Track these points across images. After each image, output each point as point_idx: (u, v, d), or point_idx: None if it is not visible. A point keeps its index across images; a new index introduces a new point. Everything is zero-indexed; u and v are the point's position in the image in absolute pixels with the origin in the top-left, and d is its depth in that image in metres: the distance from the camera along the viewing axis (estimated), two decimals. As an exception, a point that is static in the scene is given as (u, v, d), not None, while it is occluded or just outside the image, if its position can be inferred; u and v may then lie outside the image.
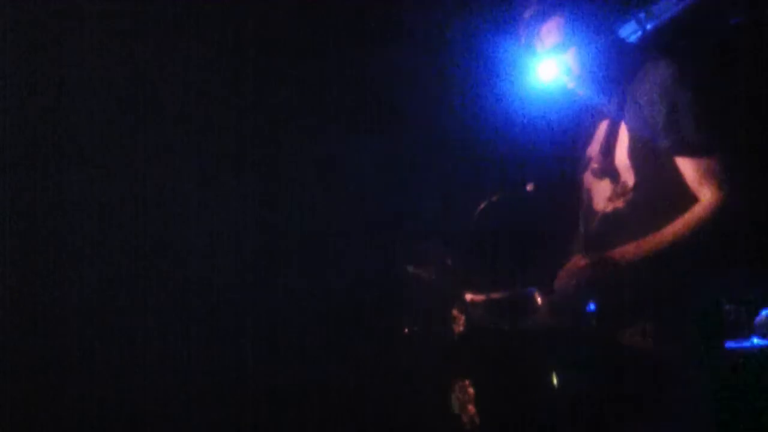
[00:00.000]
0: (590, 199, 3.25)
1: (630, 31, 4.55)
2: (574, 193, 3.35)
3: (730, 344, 4.50)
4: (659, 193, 3.06)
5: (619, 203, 3.11)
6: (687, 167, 3.01)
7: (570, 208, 3.37)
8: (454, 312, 3.28)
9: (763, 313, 4.75)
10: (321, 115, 4.24)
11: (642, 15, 4.56)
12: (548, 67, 3.16)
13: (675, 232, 2.98)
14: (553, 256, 3.30)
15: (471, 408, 3.18)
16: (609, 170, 3.15)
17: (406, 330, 3.43)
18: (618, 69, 3.15)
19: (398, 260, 3.70)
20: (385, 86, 4.23)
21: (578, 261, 3.06)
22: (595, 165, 3.21)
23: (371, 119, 4.25)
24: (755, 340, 4.65)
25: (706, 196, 2.98)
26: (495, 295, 3.28)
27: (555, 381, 3.10)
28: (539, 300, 3.22)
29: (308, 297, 4.09)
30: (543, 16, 3.11)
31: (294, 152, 4.19)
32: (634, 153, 3.08)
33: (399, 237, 3.99)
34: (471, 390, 3.21)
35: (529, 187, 3.37)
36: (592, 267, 3.02)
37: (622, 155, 3.12)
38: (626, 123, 3.11)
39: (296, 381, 4.00)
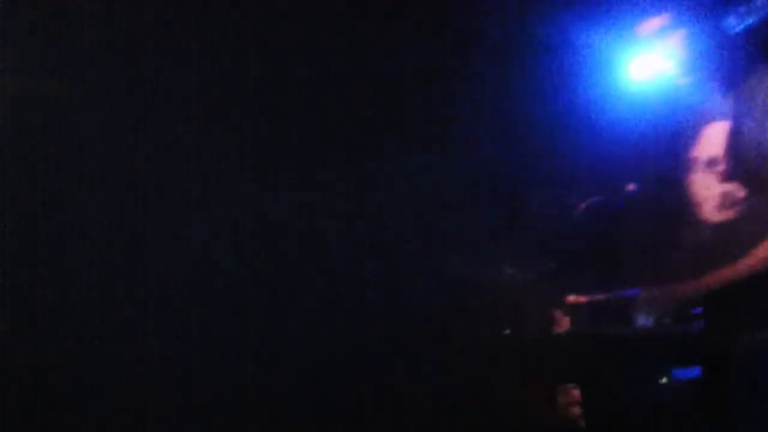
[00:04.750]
0: (697, 205, 3.20)
1: (731, 26, 4.47)
2: (677, 195, 3.30)
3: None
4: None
5: (730, 213, 3.06)
6: None
7: (673, 211, 3.33)
8: (556, 314, 3.26)
9: None
10: (407, 118, 4.22)
11: (743, 9, 4.47)
12: (645, 64, 3.12)
13: None
14: (656, 259, 3.26)
15: (575, 411, 3.16)
16: (718, 177, 3.10)
17: (507, 333, 3.42)
18: (724, 66, 3.09)
19: (498, 264, 3.68)
20: (473, 85, 4.20)
21: (686, 272, 3.02)
22: (701, 169, 3.16)
23: (461, 120, 4.22)
24: None
25: None
26: (598, 298, 3.25)
27: (661, 383, 3.06)
28: (643, 303, 3.18)
29: (404, 301, 4.08)
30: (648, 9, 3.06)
31: (388, 157, 4.17)
32: (744, 159, 3.03)
33: (498, 240, 3.96)
34: (575, 392, 3.19)
35: (630, 188, 3.33)
36: (702, 281, 2.98)
37: (731, 161, 3.07)
38: (737, 127, 3.06)
39: (391, 383, 3.99)
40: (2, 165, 3.99)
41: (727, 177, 3.10)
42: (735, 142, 3.09)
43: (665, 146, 3.52)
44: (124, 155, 4.09)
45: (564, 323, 3.25)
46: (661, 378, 3.09)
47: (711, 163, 3.14)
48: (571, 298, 3.26)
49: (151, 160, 4.08)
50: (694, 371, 3.07)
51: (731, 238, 3.06)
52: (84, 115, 4.10)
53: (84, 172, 4.08)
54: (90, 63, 4.08)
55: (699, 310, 3.09)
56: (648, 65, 3.14)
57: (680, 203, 3.28)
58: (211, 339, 4.03)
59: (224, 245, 4.08)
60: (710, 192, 3.15)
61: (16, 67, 4.01)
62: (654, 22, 3.11)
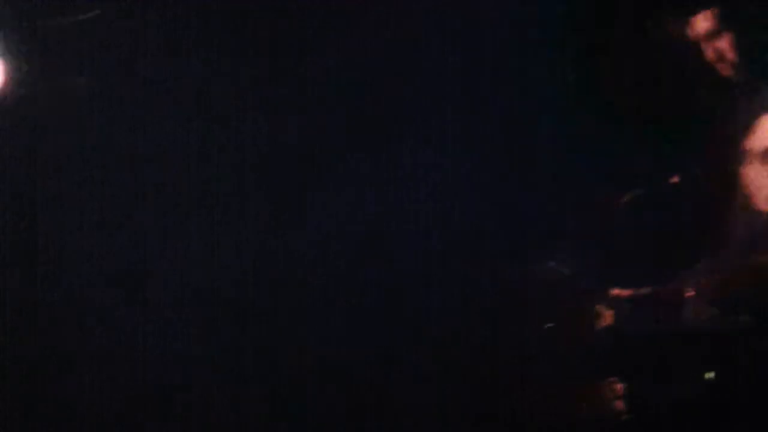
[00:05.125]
0: (749, 197, 3.13)
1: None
2: (727, 187, 3.24)
3: None
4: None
5: None
6: None
7: (723, 203, 3.26)
8: (599, 309, 3.20)
9: None
10: (452, 112, 4.17)
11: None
12: None
13: None
14: (703, 252, 3.20)
15: (619, 405, 3.11)
16: None
17: (549, 328, 3.37)
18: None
19: (540, 257, 3.62)
20: (516, 79, 4.12)
21: (735, 264, 2.96)
22: (755, 160, 3.09)
23: (503, 111, 4.15)
24: None
25: None
26: (642, 291, 3.19)
27: (707, 378, 3.00)
28: (689, 296, 3.12)
29: (445, 295, 4.02)
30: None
31: (425, 150, 4.12)
32: None
33: (539, 232, 3.90)
34: (618, 387, 3.14)
35: (675, 180, 3.27)
36: (751, 274, 2.92)
37: None
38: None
39: (434, 376, 3.94)
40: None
41: None
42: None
43: (716, 137, 3.46)
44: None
45: (607, 318, 3.19)
46: (708, 373, 3.03)
47: (766, 154, 3.09)
48: (615, 291, 3.20)
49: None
50: (741, 367, 3.00)
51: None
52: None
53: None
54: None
55: (748, 303, 3.02)
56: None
57: (731, 195, 3.22)
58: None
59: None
60: (763, 183, 3.09)
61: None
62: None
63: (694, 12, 3.12)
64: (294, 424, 3.84)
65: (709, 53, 3.11)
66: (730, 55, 3.09)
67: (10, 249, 3.92)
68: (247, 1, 3.97)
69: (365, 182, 3.97)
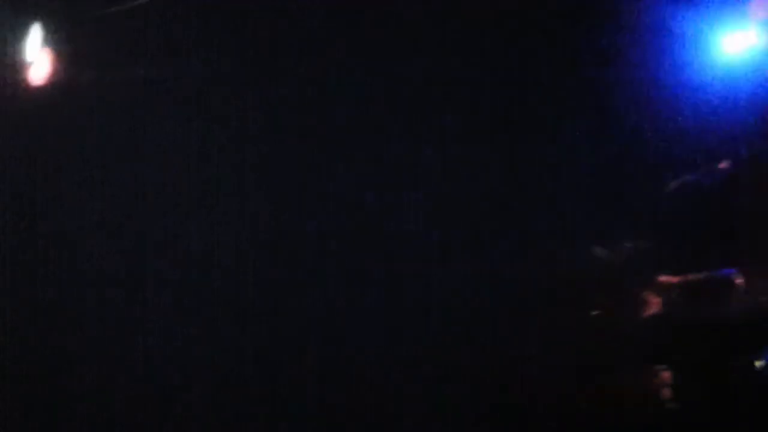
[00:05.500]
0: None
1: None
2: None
3: None
4: None
5: None
6: None
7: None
8: (647, 295, 3.16)
9: None
10: (519, 109, 4.11)
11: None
12: (737, 40, 3.04)
13: None
14: (752, 238, 3.15)
15: (666, 393, 3.06)
16: None
17: (596, 314, 3.32)
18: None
19: (587, 244, 3.56)
20: (570, 69, 4.07)
21: None
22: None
23: (556, 100, 4.09)
24: None
25: None
26: (691, 278, 3.14)
27: (757, 366, 2.96)
28: (738, 283, 3.07)
29: (496, 283, 3.96)
30: None
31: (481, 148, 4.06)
32: None
33: (588, 220, 3.83)
34: (666, 374, 3.10)
35: (723, 166, 3.23)
36: None
37: None
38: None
39: (486, 364, 3.88)
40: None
41: None
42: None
43: (762, 124, 3.40)
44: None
45: (656, 305, 3.16)
46: (758, 361, 2.99)
47: None
48: (663, 278, 3.16)
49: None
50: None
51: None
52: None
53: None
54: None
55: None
56: (737, 42, 3.05)
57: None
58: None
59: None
60: None
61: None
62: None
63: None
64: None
65: None
66: None
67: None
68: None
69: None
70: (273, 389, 3.85)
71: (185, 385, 3.86)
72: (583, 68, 3.96)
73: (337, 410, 3.82)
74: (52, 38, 4.04)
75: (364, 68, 4.03)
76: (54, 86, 4.04)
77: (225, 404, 3.85)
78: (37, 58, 4.03)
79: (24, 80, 4.02)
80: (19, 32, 4.03)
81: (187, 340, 3.88)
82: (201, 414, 3.85)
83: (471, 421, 3.80)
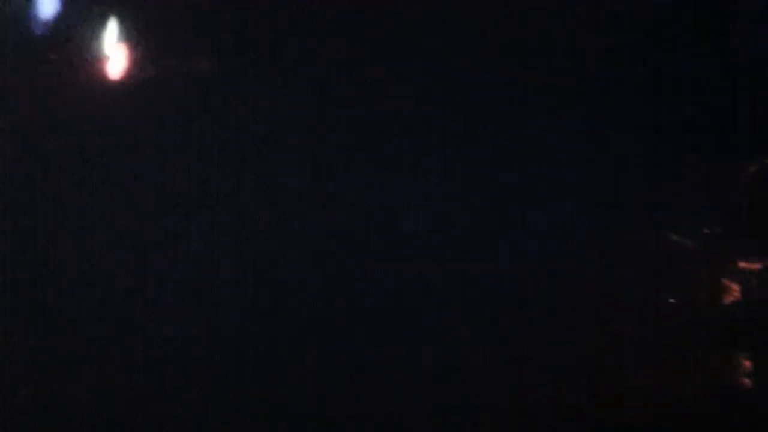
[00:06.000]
0: None
1: None
2: None
3: None
4: None
5: None
6: None
7: None
8: (726, 282, 3.13)
9: None
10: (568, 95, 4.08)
11: None
12: None
13: None
14: None
15: (746, 382, 3.03)
16: None
17: (673, 302, 3.28)
18: None
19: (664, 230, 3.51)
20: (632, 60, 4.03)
21: None
22: None
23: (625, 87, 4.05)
24: None
25: None
26: None
27: None
28: None
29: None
30: None
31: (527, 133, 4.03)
32: None
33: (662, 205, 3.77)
34: (746, 363, 3.07)
35: None
36: None
37: None
38: None
39: (545, 351, 3.85)
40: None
41: None
42: None
43: None
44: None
45: (734, 291, 3.13)
46: None
47: None
48: (742, 264, 3.14)
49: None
50: None
51: None
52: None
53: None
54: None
55: None
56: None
57: None
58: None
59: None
60: None
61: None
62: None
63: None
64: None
65: None
66: None
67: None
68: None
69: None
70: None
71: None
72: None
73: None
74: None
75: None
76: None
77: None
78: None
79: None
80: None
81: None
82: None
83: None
